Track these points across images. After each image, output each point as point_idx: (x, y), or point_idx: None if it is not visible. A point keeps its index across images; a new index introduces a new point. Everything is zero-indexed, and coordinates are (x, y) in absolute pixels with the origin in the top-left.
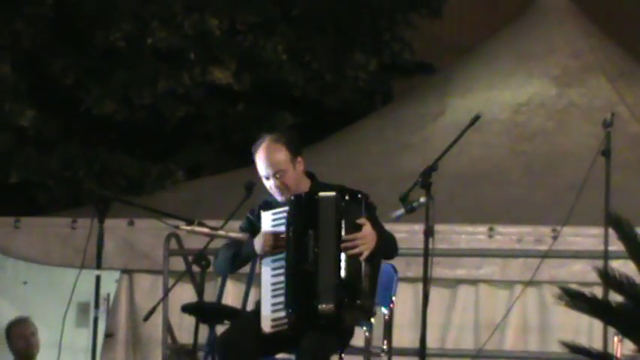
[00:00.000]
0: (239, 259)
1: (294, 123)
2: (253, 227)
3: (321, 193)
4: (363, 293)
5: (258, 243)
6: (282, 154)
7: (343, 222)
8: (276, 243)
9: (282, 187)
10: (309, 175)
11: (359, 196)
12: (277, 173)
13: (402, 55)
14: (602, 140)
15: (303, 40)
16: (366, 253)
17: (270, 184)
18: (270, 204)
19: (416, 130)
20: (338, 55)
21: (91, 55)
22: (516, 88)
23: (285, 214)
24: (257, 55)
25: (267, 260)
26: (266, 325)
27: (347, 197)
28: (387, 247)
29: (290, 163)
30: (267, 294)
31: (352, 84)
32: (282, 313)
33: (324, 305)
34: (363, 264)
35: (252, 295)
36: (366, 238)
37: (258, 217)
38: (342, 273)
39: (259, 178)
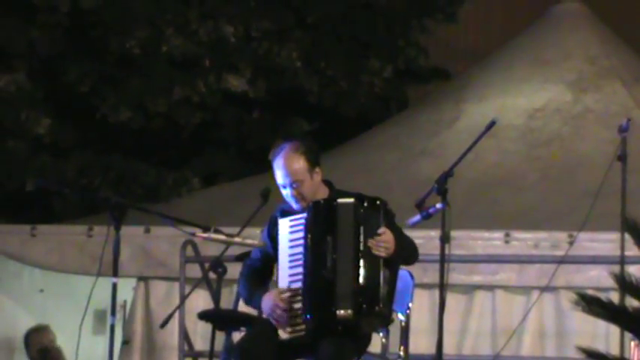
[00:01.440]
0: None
1: (309, 130)
2: (270, 235)
3: (340, 200)
4: (381, 300)
5: (266, 307)
6: (301, 164)
7: (362, 228)
8: (282, 317)
9: (299, 196)
10: (327, 183)
11: (377, 202)
12: (294, 183)
13: (417, 61)
14: (617, 145)
15: (318, 47)
16: (383, 256)
17: (286, 193)
18: (287, 211)
19: (431, 137)
20: (353, 62)
21: (107, 63)
22: (532, 94)
23: (302, 221)
24: (272, 62)
25: (284, 267)
26: (283, 333)
27: (365, 204)
28: (406, 253)
29: (308, 173)
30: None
31: (367, 90)
32: (299, 319)
33: (342, 311)
34: (381, 271)
35: None
36: (386, 243)
37: (275, 224)
38: (361, 279)
39: (276, 185)
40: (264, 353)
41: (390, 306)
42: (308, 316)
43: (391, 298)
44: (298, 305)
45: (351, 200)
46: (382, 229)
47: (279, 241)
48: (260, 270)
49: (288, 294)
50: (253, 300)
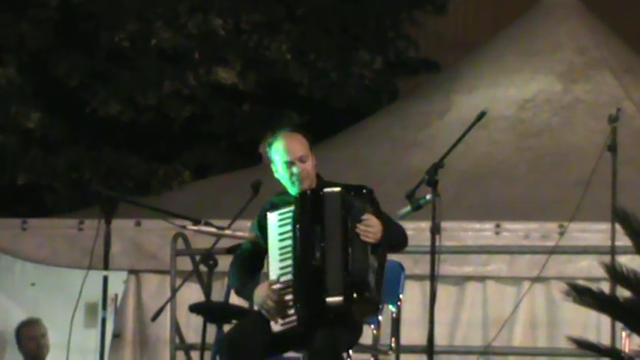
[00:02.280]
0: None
1: (300, 122)
2: (260, 226)
3: (326, 189)
4: (370, 286)
5: (258, 299)
6: (304, 142)
7: (349, 217)
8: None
9: (304, 173)
10: (316, 175)
11: (364, 191)
12: (303, 157)
13: (407, 52)
14: (608, 136)
15: (308, 39)
16: (371, 242)
17: (293, 171)
18: (276, 205)
19: (422, 128)
20: (343, 54)
21: (96, 57)
22: (522, 85)
23: (290, 214)
24: (262, 55)
25: (274, 260)
26: (275, 325)
27: (352, 192)
28: (395, 239)
29: (310, 152)
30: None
31: (357, 82)
32: (291, 311)
33: (332, 298)
34: (370, 258)
35: None
36: (372, 228)
37: (264, 218)
38: (350, 266)
39: (267, 177)
40: (254, 344)
41: (379, 292)
42: (298, 306)
43: (380, 285)
44: (289, 297)
45: (338, 189)
46: (367, 215)
47: (268, 234)
48: (251, 260)
49: (279, 285)
50: (245, 291)
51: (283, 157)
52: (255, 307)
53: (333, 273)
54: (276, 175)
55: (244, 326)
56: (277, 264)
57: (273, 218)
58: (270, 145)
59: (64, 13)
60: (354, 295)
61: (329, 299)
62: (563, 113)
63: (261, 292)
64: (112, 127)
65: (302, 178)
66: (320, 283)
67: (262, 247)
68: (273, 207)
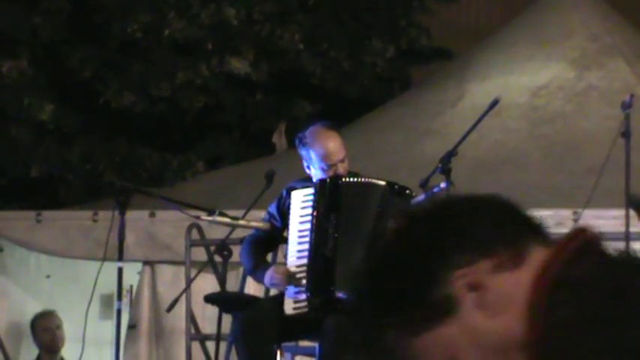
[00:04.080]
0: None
1: (312, 112)
2: (282, 214)
3: (371, 180)
4: None
5: (268, 278)
6: (341, 140)
7: (384, 215)
8: (287, 280)
9: (345, 172)
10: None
11: (407, 191)
12: (343, 159)
13: (420, 41)
14: (621, 122)
15: (320, 29)
16: None
17: (334, 171)
18: (296, 188)
19: (435, 116)
20: (355, 43)
21: (109, 48)
22: (535, 72)
23: (313, 197)
24: (274, 45)
25: (293, 242)
26: (288, 308)
27: (396, 187)
28: None
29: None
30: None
31: (370, 71)
32: (304, 296)
33: (340, 292)
34: None
35: None
36: None
37: (287, 199)
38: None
39: (280, 167)
40: (268, 328)
41: None
42: (309, 294)
43: None
44: (303, 282)
45: (383, 183)
46: None
47: (290, 215)
48: (264, 240)
49: (293, 269)
50: (257, 273)
51: (324, 159)
52: (267, 284)
53: (344, 265)
54: (307, 171)
55: (258, 310)
56: (295, 246)
57: (297, 196)
58: (303, 141)
59: (76, 5)
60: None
61: (337, 292)
62: (576, 100)
63: (271, 271)
64: (126, 118)
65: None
66: (330, 273)
67: (277, 229)
68: (295, 189)
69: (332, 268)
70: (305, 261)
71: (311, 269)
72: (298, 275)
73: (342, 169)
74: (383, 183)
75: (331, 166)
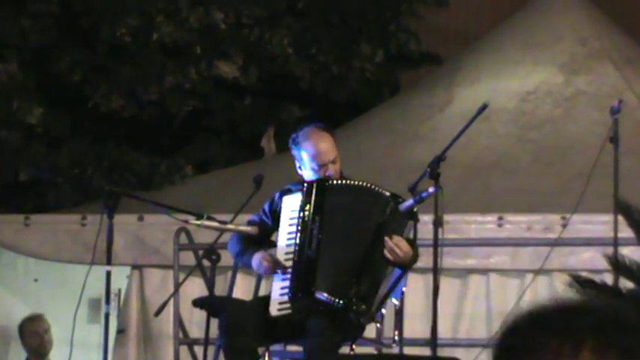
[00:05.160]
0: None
1: (301, 116)
2: (273, 214)
3: (377, 188)
4: (361, 290)
5: (255, 261)
6: (333, 141)
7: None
8: (274, 266)
9: (336, 175)
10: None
11: (415, 210)
12: (334, 159)
13: (408, 45)
14: (610, 127)
15: (309, 33)
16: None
17: (325, 174)
18: (291, 191)
19: (424, 121)
20: (344, 47)
21: (98, 52)
22: (523, 77)
23: (301, 200)
24: (263, 49)
25: (282, 244)
26: (273, 309)
27: (400, 199)
28: (409, 264)
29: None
30: (278, 277)
31: (359, 75)
32: (287, 297)
33: (319, 293)
34: (383, 272)
35: (263, 288)
36: (400, 250)
37: (279, 201)
38: (347, 266)
39: (269, 171)
40: (252, 328)
41: (370, 298)
42: (291, 295)
43: (374, 289)
44: (287, 283)
45: (388, 194)
46: (399, 238)
47: (281, 217)
48: (254, 238)
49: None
50: (245, 256)
51: (315, 159)
52: (254, 266)
53: (325, 266)
54: (299, 172)
55: (243, 310)
56: (284, 249)
57: (287, 201)
58: (295, 141)
59: (64, 8)
60: (341, 301)
61: (317, 294)
62: (564, 105)
63: (259, 254)
64: (114, 122)
65: (333, 179)
66: (311, 274)
67: (268, 227)
68: (288, 192)
69: (314, 269)
70: (291, 263)
71: (295, 270)
72: (285, 263)
73: (332, 170)
74: (369, 185)
75: (322, 167)
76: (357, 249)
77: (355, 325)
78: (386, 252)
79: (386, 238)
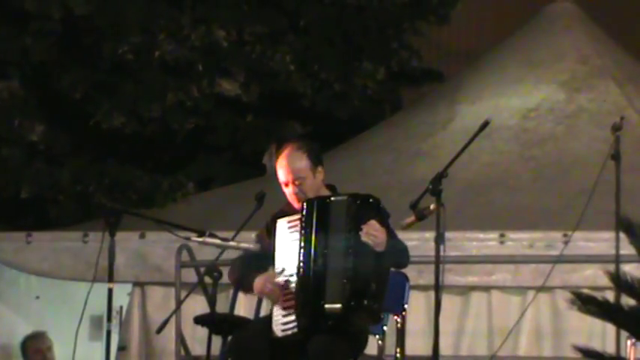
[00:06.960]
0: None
1: (303, 133)
2: (269, 232)
3: (333, 197)
4: (370, 295)
5: (258, 288)
6: (303, 162)
7: (354, 225)
8: (274, 292)
9: (300, 194)
10: (331, 187)
11: (370, 200)
12: (297, 180)
13: (410, 63)
14: (611, 144)
15: (311, 50)
16: (373, 244)
17: (289, 191)
18: (285, 213)
19: (426, 138)
20: (346, 65)
21: (100, 69)
22: (525, 94)
23: (298, 221)
24: (265, 66)
25: (280, 264)
26: (277, 329)
27: (358, 201)
28: (396, 254)
29: (310, 172)
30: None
31: (361, 93)
32: (292, 317)
33: (330, 305)
34: (373, 266)
35: (265, 305)
36: (375, 232)
37: (273, 225)
38: (350, 274)
39: (271, 188)
40: (259, 349)
41: (379, 302)
42: (299, 312)
43: (381, 295)
44: (291, 303)
45: (345, 197)
46: (371, 222)
47: (276, 240)
48: (255, 258)
49: (282, 278)
50: (245, 281)
51: (280, 176)
52: (256, 290)
53: (334, 280)
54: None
55: (248, 331)
56: (283, 268)
57: (282, 224)
58: (276, 158)
59: (66, 26)
60: (353, 302)
61: (327, 306)
62: (566, 122)
63: (261, 278)
64: (116, 139)
65: (297, 198)
66: (320, 288)
67: (267, 250)
68: (283, 214)
69: (322, 283)
70: (293, 285)
71: (301, 287)
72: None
73: (304, 188)
74: (344, 197)
75: (285, 185)
76: (359, 256)
77: (360, 339)
78: (364, 238)
79: (361, 227)
